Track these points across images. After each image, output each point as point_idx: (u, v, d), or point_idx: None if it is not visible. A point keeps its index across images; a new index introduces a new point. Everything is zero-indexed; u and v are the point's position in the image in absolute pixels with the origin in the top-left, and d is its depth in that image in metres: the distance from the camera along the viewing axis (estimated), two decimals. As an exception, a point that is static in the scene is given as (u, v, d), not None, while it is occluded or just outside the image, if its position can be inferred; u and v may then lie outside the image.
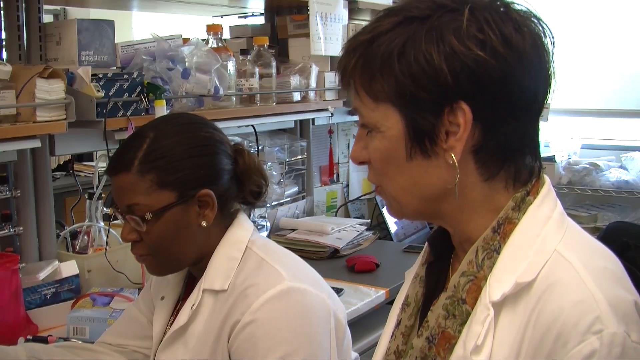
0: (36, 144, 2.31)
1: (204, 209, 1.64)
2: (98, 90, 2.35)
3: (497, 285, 1.06)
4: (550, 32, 1.12)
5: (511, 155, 1.13)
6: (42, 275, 2.54)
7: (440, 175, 1.11)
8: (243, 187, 1.73)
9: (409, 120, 1.09)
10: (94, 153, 4.70)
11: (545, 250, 1.07)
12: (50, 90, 2.24)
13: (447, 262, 1.24)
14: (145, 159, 1.60)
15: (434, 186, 1.12)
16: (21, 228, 2.60)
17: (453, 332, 1.10)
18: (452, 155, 1.08)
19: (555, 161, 4.29)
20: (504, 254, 1.09)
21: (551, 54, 1.12)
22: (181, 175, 1.61)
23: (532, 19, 1.11)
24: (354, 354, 1.77)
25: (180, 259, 1.68)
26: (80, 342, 1.99)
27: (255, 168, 1.73)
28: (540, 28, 1.11)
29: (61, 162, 4.87)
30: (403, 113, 1.10)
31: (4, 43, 2.50)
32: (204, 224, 1.64)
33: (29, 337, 2.28)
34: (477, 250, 1.12)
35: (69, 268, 2.64)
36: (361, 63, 1.12)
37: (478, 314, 1.07)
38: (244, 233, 1.70)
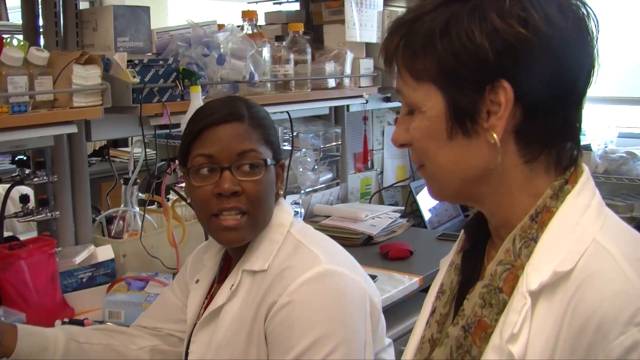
0: (73, 129, 2.33)
1: (279, 179, 1.72)
2: (134, 76, 2.37)
3: (535, 274, 1.05)
4: (595, 16, 1.10)
5: (553, 139, 1.12)
6: (79, 259, 2.57)
7: (481, 156, 1.10)
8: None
9: (450, 99, 1.09)
10: (129, 139, 4.75)
11: (584, 240, 1.06)
12: (87, 76, 2.25)
13: (483, 250, 1.23)
14: (253, 115, 1.68)
15: (474, 166, 1.11)
16: (58, 213, 2.63)
17: (489, 321, 1.09)
18: (494, 134, 1.08)
19: (591, 150, 4.24)
20: (542, 243, 1.08)
21: (595, 38, 1.10)
22: (276, 139, 1.72)
23: (577, 1, 1.10)
24: (388, 340, 1.77)
25: (263, 222, 1.69)
26: (115, 325, 2.01)
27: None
28: (585, 11, 1.10)
29: (96, 148, 4.91)
30: (444, 92, 1.09)
31: (41, 30, 2.52)
32: (280, 192, 1.72)
33: (66, 320, 2.30)
34: (514, 239, 1.11)
35: (105, 252, 2.66)
36: (404, 42, 1.12)
37: (515, 303, 1.06)
38: (286, 216, 1.72)
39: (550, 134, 1.11)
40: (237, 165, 1.63)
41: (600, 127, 4.48)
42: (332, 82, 3.28)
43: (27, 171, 2.58)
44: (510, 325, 1.04)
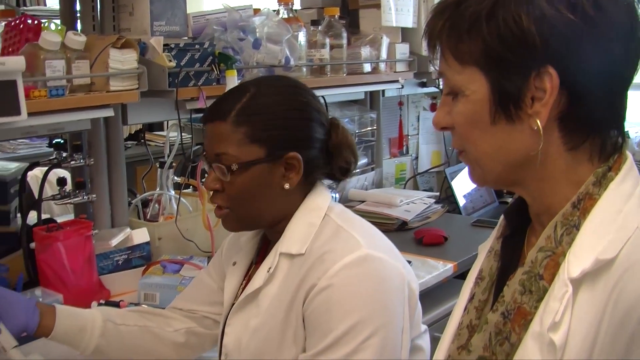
0: (109, 112, 2.34)
1: (289, 171, 1.65)
2: (170, 60, 2.37)
3: (576, 261, 1.04)
4: None
5: (597, 126, 1.10)
6: (115, 241, 2.59)
7: (523, 141, 1.09)
8: (332, 161, 1.73)
9: (494, 83, 1.08)
10: (164, 123, 4.77)
11: (627, 228, 1.04)
12: (123, 60, 2.26)
13: (523, 236, 1.22)
14: (242, 112, 1.62)
15: (517, 152, 1.10)
16: (94, 195, 2.65)
17: (529, 308, 1.08)
18: (537, 121, 1.06)
19: (629, 137, 4.18)
20: (584, 230, 1.06)
21: None
22: (274, 133, 1.63)
23: None
24: (423, 327, 1.76)
25: (256, 217, 1.70)
26: (151, 307, 2.02)
27: (347, 144, 1.74)
28: None
29: (132, 132, 4.94)
30: (489, 76, 1.08)
31: (78, 14, 2.53)
32: (286, 186, 1.65)
33: (102, 301, 2.32)
34: (555, 226, 1.09)
35: (140, 235, 2.68)
36: (449, 25, 1.10)
37: (556, 290, 1.04)
38: (323, 200, 1.70)
39: (595, 122, 1.10)
40: (215, 165, 1.65)
41: (638, 114, 4.41)
42: (367, 67, 3.27)
43: (64, 154, 2.61)
44: (551, 313, 1.03)
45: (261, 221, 1.72)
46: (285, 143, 1.64)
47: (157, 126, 5.01)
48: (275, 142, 1.63)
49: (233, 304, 1.76)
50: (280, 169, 1.64)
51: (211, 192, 1.70)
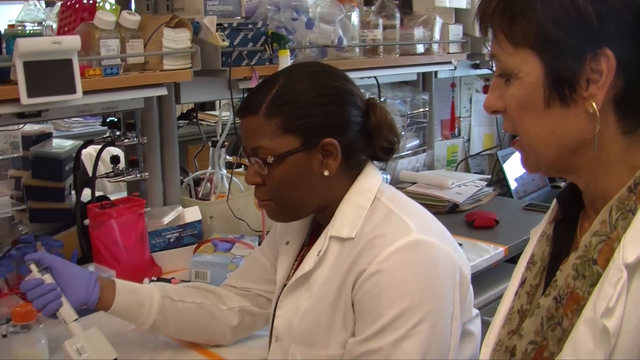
0: (163, 91, 2.36)
1: (327, 158, 1.62)
2: (223, 40, 2.38)
3: (632, 246, 1.01)
4: None
5: None
6: (167, 219, 2.62)
7: (578, 125, 1.06)
8: (373, 141, 1.70)
9: (548, 66, 1.05)
10: (216, 102, 4.80)
11: None
12: (177, 39, 2.28)
13: (576, 221, 1.20)
14: (273, 103, 1.61)
15: (571, 136, 1.08)
16: (147, 174, 2.68)
17: (582, 293, 1.06)
18: (593, 104, 1.04)
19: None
20: None
21: None
22: (307, 121, 1.61)
23: None
24: (475, 311, 1.75)
25: (301, 207, 1.69)
26: (206, 284, 2.03)
27: (386, 124, 1.71)
28: None
29: (184, 111, 4.97)
30: (543, 58, 1.05)
31: (132, -7, 2.55)
32: (326, 173, 1.63)
33: (153, 278, 2.35)
34: (610, 210, 1.07)
35: (192, 214, 2.70)
36: (502, 6, 1.08)
37: (610, 275, 1.02)
38: (373, 182, 1.69)
39: None
40: (252, 160, 1.64)
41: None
42: (420, 48, 3.25)
43: (118, 133, 2.64)
44: (605, 298, 1.01)
45: (306, 210, 1.71)
46: (320, 130, 1.62)
47: (209, 106, 5.04)
48: (309, 130, 1.61)
49: (285, 285, 1.76)
50: (318, 157, 1.62)
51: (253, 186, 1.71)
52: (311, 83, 1.64)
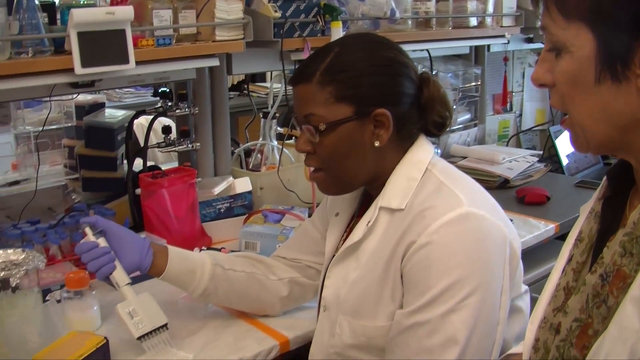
0: (215, 62, 2.37)
1: (379, 128, 1.62)
2: (275, 11, 2.38)
3: None
4: None
5: None
6: (217, 190, 2.63)
7: (629, 103, 1.03)
8: (425, 115, 1.70)
9: (601, 40, 1.02)
10: (267, 74, 4.80)
11: None
12: (229, 10, 2.28)
13: (626, 198, 1.18)
14: (327, 72, 1.61)
15: (622, 114, 1.05)
16: (198, 144, 2.69)
17: (629, 270, 1.04)
18: None
19: None
20: None
21: None
22: (360, 91, 1.60)
23: None
24: (524, 287, 1.73)
25: (351, 177, 1.68)
26: (256, 254, 2.05)
27: (439, 98, 1.70)
28: None
29: (234, 83, 4.99)
30: (596, 32, 1.02)
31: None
32: (377, 144, 1.62)
33: (204, 248, 2.37)
34: None
35: (243, 184, 2.72)
36: None
37: (658, 253, 1.01)
38: (425, 154, 1.68)
39: None
40: (305, 127, 1.64)
41: None
42: (473, 21, 3.21)
43: (170, 103, 2.65)
44: None
45: (356, 181, 1.70)
46: (373, 100, 1.61)
47: (259, 77, 5.05)
48: (362, 99, 1.60)
49: (334, 256, 1.76)
50: (370, 127, 1.62)
51: (304, 155, 1.70)
52: (365, 53, 1.63)
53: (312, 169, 1.71)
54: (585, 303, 1.09)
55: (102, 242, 1.75)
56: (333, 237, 1.81)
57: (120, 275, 1.74)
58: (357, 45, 1.65)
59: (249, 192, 2.72)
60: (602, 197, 1.22)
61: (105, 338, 1.73)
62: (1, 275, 1.71)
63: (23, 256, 1.79)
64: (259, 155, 2.99)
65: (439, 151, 3.53)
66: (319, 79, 1.60)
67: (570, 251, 1.23)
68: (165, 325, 1.77)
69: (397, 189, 1.62)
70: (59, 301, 1.93)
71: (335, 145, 1.62)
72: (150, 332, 1.74)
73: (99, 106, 2.83)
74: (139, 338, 1.72)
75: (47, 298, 1.95)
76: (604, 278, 1.07)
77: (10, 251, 1.80)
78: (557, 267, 1.26)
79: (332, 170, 1.67)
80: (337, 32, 2.46)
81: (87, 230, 1.76)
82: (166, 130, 2.65)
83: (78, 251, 1.74)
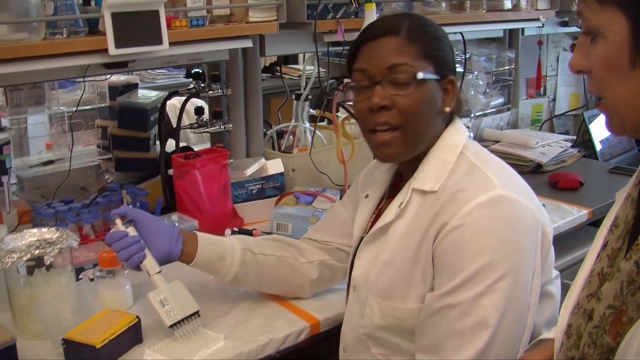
0: (248, 43, 2.37)
1: (445, 95, 1.65)
2: (309, -8, 2.38)
3: None
4: None
5: None
6: (249, 171, 2.64)
7: None
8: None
9: (635, 24, 1.02)
10: (299, 56, 4.80)
11: None
12: (263, -9, 2.28)
13: (664, 184, 1.17)
14: (413, 29, 1.62)
15: None
16: (231, 125, 2.70)
17: None
18: None
19: None
20: None
21: None
22: (441, 54, 1.64)
23: None
24: (555, 272, 1.72)
25: (422, 139, 1.66)
26: (285, 237, 2.05)
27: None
28: None
29: (267, 64, 4.99)
30: (630, 17, 1.02)
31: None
32: (447, 109, 1.65)
33: (235, 229, 2.38)
34: None
35: (275, 166, 2.72)
36: None
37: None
38: (459, 137, 1.68)
39: None
40: (389, 79, 1.61)
41: None
42: (508, 4, 3.18)
43: (202, 84, 2.66)
44: None
45: (423, 144, 1.67)
46: (448, 66, 1.65)
47: (292, 59, 5.05)
48: (442, 62, 1.63)
49: (362, 238, 1.76)
50: (441, 92, 1.64)
51: (374, 113, 1.64)
52: (436, 25, 1.69)
53: (382, 129, 1.64)
54: (619, 290, 1.08)
55: (131, 231, 1.76)
56: (362, 219, 1.81)
57: (150, 264, 1.75)
58: (426, 18, 1.70)
59: (281, 174, 2.73)
60: (638, 183, 1.21)
61: (137, 317, 1.75)
62: (36, 253, 1.73)
63: (57, 235, 1.81)
64: (291, 137, 2.99)
65: (472, 135, 3.51)
66: (407, 34, 1.61)
67: (605, 237, 1.22)
68: (197, 312, 1.78)
69: (431, 172, 1.62)
70: (92, 280, 1.95)
71: (419, 100, 1.61)
72: (182, 320, 1.74)
73: (132, 87, 2.85)
74: (171, 326, 1.73)
75: (80, 277, 1.97)
76: (639, 265, 1.06)
77: (44, 230, 1.82)
78: (592, 253, 1.25)
79: (410, 128, 1.63)
80: (371, 13, 2.44)
81: (118, 220, 1.77)
82: (199, 111, 2.65)
83: (108, 240, 1.75)
